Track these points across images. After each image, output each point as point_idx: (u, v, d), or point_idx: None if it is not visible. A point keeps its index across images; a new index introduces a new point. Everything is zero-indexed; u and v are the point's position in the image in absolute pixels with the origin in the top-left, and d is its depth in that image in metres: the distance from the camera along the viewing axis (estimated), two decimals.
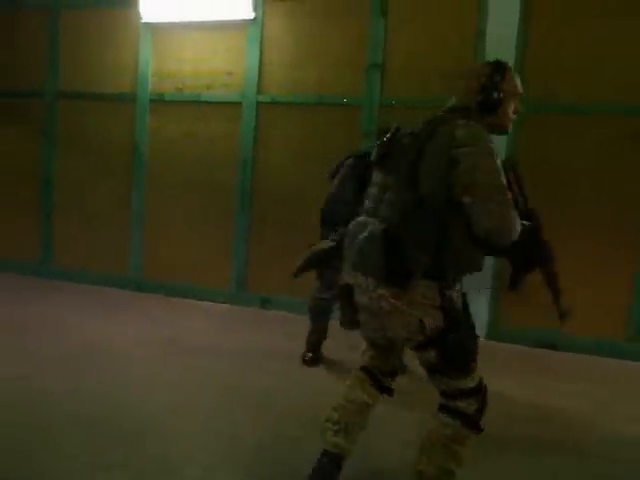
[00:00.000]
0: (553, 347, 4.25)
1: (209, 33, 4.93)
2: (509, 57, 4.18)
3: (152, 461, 2.41)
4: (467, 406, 1.99)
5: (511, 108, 2.06)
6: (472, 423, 2.00)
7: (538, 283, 4.34)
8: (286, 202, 4.79)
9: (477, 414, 2.00)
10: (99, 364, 3.46)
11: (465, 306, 2.08)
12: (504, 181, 1.89)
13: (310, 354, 3.72)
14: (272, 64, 4.81)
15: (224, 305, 5.02)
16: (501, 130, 2.08)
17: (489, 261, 4.12)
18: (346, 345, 3.91)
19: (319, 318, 3.70)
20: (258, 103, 4.85)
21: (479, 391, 2.00)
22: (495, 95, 1.99)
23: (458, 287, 2.02)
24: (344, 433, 2.15)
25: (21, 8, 5.50)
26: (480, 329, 4.38)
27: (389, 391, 2.29)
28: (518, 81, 2.08)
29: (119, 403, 2.94)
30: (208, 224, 5.06)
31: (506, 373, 3.76)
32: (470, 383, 1.99)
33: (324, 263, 3.58)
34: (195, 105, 5.02)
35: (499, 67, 2.04)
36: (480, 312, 4.41)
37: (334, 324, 3.23)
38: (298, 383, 3.39)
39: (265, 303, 4.95)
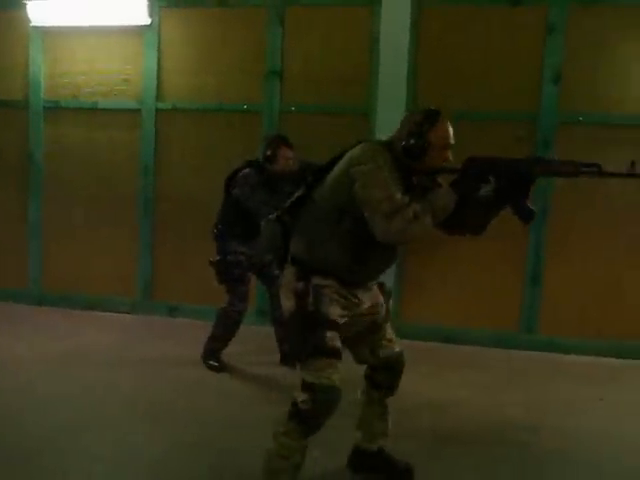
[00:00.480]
0: (451, 341, 4.47)
1: (104, 39, 4.82)
2: (402, 63, 4.39)
3: (50, 478, 2.36)
4: (301, 398, 2.04)
5: (439, 157, 2.09)
6: (297, 416, 2.05)
7: (434, 279, 4.61)
8: (189, 209, 4.76)
9: (307, 414, 2.03)
10: None
11: (348, 305, 2.16)
12: (395, 194, 1.98)
13: (215, 362, 3.74)
14: (170, 71, 4.76)
15: (130, 315, 4.93)
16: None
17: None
18: (249, 350, 4.01)
19: (230, 328, 3.73)
20: (157, 110, 4.79)
21: (313, 391, 2.02)
22: (418, 144, 2.05)
23: (330, 282, 2.10)
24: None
25: None
26: None
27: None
28: (450, 131, 2.11)
29: (17, 421, 2.85)
30: (110, 233, 4.94)
31: (407, 368, 3.91)
32: (307, 377, 2.05)
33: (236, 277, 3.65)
34: (92, 112, 4.89)
35: (430, 116, 2.09)
36: None
37: None
38: (205, 390, 3.41)
39: (172, 311, 4.91)
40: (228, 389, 3.46)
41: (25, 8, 4.75)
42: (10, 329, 4.41)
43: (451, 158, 2.13)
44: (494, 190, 2.02)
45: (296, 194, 2.24)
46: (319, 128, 4.54)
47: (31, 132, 4.98)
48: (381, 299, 2.35)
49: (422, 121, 2.08)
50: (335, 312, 2.11)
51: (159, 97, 4.79)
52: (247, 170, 3.57)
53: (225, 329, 3.72)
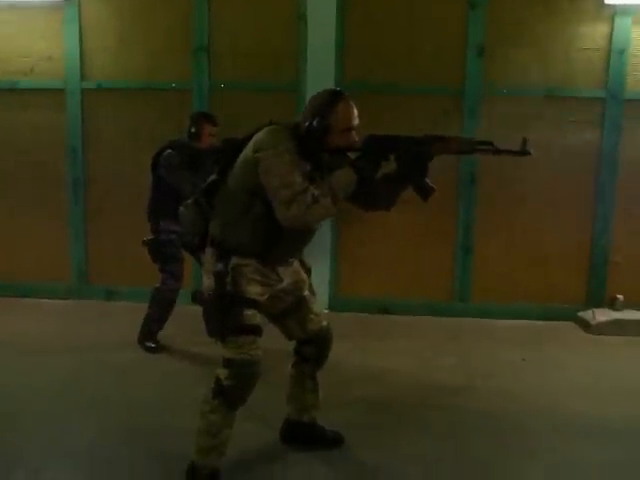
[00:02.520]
0: (387, 312, 4.59)
1: (21, 15, 4.60)
2: (329, 39, 4.39)
3: None
4: (223, 375, 2.12)
5: (341, 139, 2.10)
6: (221, 393, 2.12)
7: (369, 252, 4.69)
8: (122, 191, 4.67)
9: (230, 390, 2.11)
10: None
11: (268, 283, 2.20)
12: (293, 180, 2.00)
13: (152, 343, 3.73)
14: (94, 48, 4.61)
15: (67, 301, 4.83)
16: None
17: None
18: (185, 331, 4.01)
19: (165, 308, 3.72)
20: (83, 90, 4.64)
21: (234, 367, 2.10)
22: (320, 126, 2.06)
23: (248, 262, 2.13)
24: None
25: None
26: (322, 301, 4.63)
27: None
28: (353, 113, 2.11)
29: None
30: (40, 218, 4.79)
31: (343, 340, 4.01)
32: (227, 354, 2.13)
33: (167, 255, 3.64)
34: (13, 92, 4.68)
35: (331, 99, 2.10)
36: (321, 286, 4.65)
37: None
38: (142, 372, 3.41)
39: (110, 295, 4.83)
40: (166, 370, 3.46)
41: None
42: None
43: (356, 140, 2.13)
44: (395, 169, 2.08)
45: (210, 178, 2.26)
46: (249, 105, 4.50)
47: None
48: (303, 275, 2.40)
49: (324, 102, 2.09)
50: (254, 290, 2.15)
51: (83, 76, 4.63)
52: (169, 151, 3.55)
53: (160, 309, 3.71)
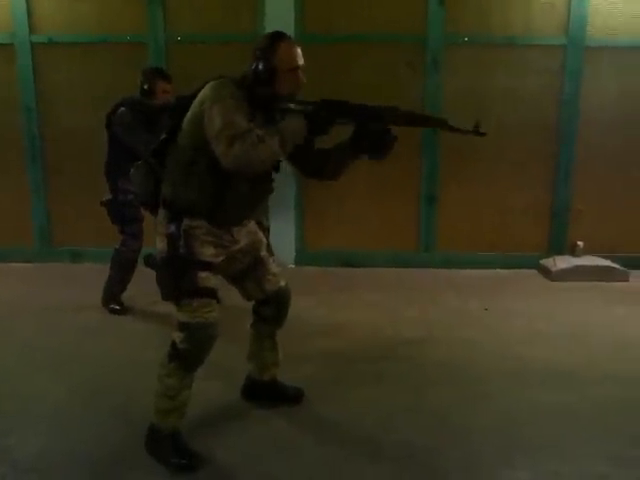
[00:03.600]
0: (352, 265, 4.64)
1: None
2: None
3: None
4: (178, 339, 2.11)
5: (289, 80, 2.09)
6: (177, 357, 2.12)
7: (333, 205, 4.67)
8: (80, 149, 4.56)
9: (186, 353, 2.10)
10: None
11: (222, 244, 2.18)
12: (236, 120, 1.95)
13: (116, 305, 3.73)
14: None
15: (31, 264, 4.77)
16: (285, 96, 2.11)
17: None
18: (149, 291, 3.99)
19: (126, 269, 3.70)
20: (32, 44, 4.46)
21: (189, 330, 2.09)
22: (265, 69, 2.05)
23: (199, 223, 2.10)
24: None
25: None
26: (289, 257, 4.66)
27: None
28: (296, 53, 2.10)
29: None
30: None
31: (308, 294, 4.07)
32: (182, 317, 2.11)
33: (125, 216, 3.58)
34: None
35: (272, 41, 2.08)
36: (287, 242, 4.67)
37: None
38: (106, 334, 3.41)
39: (76, 257, 4.79)
40: (130, 331, 3.47)
41: None
42: None
43: (304, 80, 2.14)
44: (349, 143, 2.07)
45: (161, 137, 2.19)
46: (207, 58, 4.39)
47: None
48: (260, 235, 2.39)
49: (266, 45, 2.08)
50: (207, 252, 2.12)
51: (32, 29, 4.44)
52: (122, 109, 3.45)
53: (121, 270, 3.69)
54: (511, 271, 4.52)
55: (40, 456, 2.24)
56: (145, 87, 3.49)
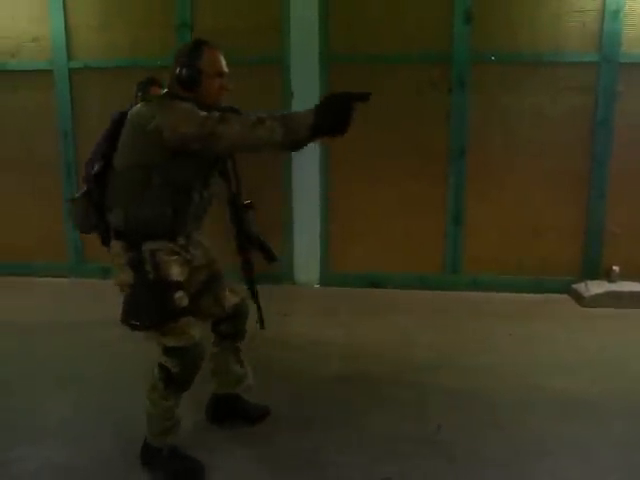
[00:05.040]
0: (377, 286, 4.56)
1: None
2: (313, 10, 4.30)
3: None
4: (169, 364, 2.09)
5: (214, 85, 2.10)
6: (172, 381, 2.11)
7: (359, 226, 4.62)
8: None
9: (180, 376, 2.10)
10: None
11: (184, 262, 2.18)
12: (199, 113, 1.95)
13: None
14: (79, 27, 4.59)
15: (66, 279, 4.91)
16: (210, 105, 2.07)
17: None
18: None
19: None
20: (70, 70, 4.64)
21: (179, 354, 2.08)
22: (190, 73, 2.05)
23: (161, 244, 2.09)
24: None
25: None
26: (314, 277, 4.64)
27: None
28: (220, 59, 2.13)
29: None
30: (33, 200, 4.86)
31: (328, 315, 4.03)
32: (167, 342, 2.09)
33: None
34: (1, 74, 4.72)
35: (196, 46, 2.10)
36: (311, 262, 4.65)
37: None
38: (123, 351, 3.45)
39: (105, 273, 4.88)
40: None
41: None
42: None
43: (230, 87, 2.14)
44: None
45: (96, 167, 2.15)
46: (234, 78, 4.45)
47: None
48: (213, 254, 2.39)
49: (189, 51, 2.09)
50: (176, 272, 2.12)
51: (70, 56, 4.63)
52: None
53: None
54: (541, 295, 4.34)
55: (38, 471, 2.28)
56: (138, 95, 3.50)
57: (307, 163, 4.50)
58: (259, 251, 2.41)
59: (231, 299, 2.41)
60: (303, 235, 4.63)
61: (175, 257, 2.14)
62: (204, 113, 1.95)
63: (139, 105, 2.08)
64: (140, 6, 4.52)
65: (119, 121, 2.12)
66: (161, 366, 2.12)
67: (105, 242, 2.20)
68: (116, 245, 2.14)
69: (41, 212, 4.89)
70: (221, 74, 2.12)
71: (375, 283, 4.57)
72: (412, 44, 4.29)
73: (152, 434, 2.23)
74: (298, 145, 1.92)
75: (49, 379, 3.08)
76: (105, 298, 4.39)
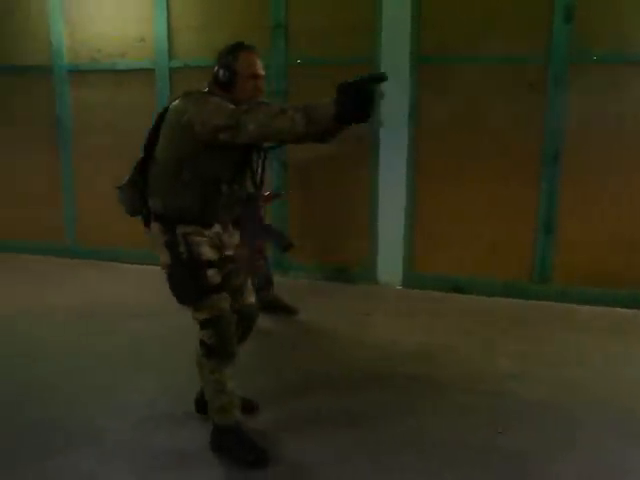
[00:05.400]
0: (460, 291, 4.46)
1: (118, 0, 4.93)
2: (405, 9, 4.26)
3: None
4: (206, 336, 2.27)
5: (248, 86, 2.24)
6: (211, 352, 2.27)
7: (445, 228, 4.53)
8: None
9: (217, 346, 2.26)
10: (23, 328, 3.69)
11: (215, 245, 2.31)
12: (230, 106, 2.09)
13: None
14: (181, 29, 4.82)
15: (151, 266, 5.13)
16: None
17: None
18: None
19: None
20: (171, 69, 4.89)
21: (213, 326, 2.25)
22: (226, 74, 2.22)
23: (193, 228, 2.25)
24: None
25: None
26: (396, 278, 4.62)
27: None
28: (256, 62, 2.27)
29: (30, 365, 3.15)
30: None
31: (407, 318, 4.00)
32: (200, 316, 2.27)
33: None
34: (111, 74, 5.04)
35: (234, 49, 2.27)
36: (394, 262, 4.62)
37: None
38: None
39: None
40: None
41: None
42: (42, 281, 4.80)
43: (263, 89, 2.28)
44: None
45: (139, 157, 2.35)
46: (325, 79, 4.50)
47: (57, 96, 5.22)
48: (240, 249, 2.50)
49: (227, 54, 2.26)
50: (206, 251, 2.27)
51: (171, 55, 4.88)
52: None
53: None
54: (636, 311, 4.07)
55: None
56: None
57: (394, 163, 4.49)
58: (275, 239, 2.59)
59: (248, 297, 2.49)
60: (387, 236, 4.61)
61: (206, 239, 2.28)
62: (232, 106, 2.09)
63: (177, 100, 2.24)
64: (237, 8, 4.68)
65: (161, 115, 2.29)
66: (201, 342, 2.30)
67: (147, 224, 2.38)
68: (155, 227, 2.32)
69: None
70: (255, 76, 2.26)
71: (458, 287, 4.48)
72: (507, 43, 4.16)
73: (214, 412, 2.35)
74: (325, 135, 1.99)
75: (141, 359, 3.28)
76: None
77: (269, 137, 2.10)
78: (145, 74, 4.95)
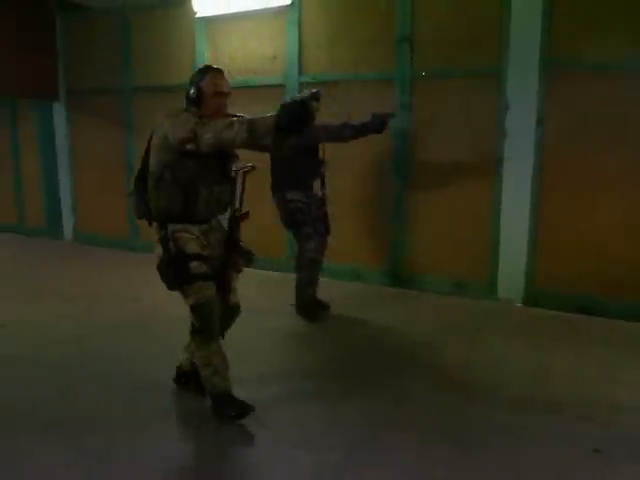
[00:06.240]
0: (588, 312, 4.19)
1: (254, 21, 5.28)
2: (536, 18, 4.14)
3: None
4: (194, 319, 2.69)
5: (213, 103, 2.62)
6: (197, 333, 2.69)
7: (571, 245, 4.28)
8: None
9: (201, 327, 2.67)
10: (150, 328, 4.05)
11: (201, 244, 2.69)
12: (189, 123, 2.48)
13: (314, 306, 4.27)
14: (310, 45, 5.06)
15: (278, 272, 5.34)
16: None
17: None
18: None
19: (313, 269, 4.20)
20: (300, 84, 5.13)
21: (196, 309, 2.64)
22: (195, 92, 2.62)
23: (181, 226, 2.65)
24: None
25: (95, 14, 6.18)
26: (516, 294, 4.45)
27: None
28: (220, 82, 2.63)
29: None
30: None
31: (524, 335, 3.86)
32: (188, 302, 2.67)
33: None
34: (245, 90, 5.38)
35: (202, 71, 2.68)
36: (515, 277, 4.45)
37: None
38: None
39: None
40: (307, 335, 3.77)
41: (191, 2, 5.39)
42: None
43: (226, 106, 2.65)
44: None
45: (138, 169, 2.79)
46: (449, 91, 4.52)
47: None
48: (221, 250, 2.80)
49: (197, 74, 2.67)
50: (193, 247, 2.66)
51: (301, 71, 5.13)
52: None
53: (308, 270, 4.19)
54: None
55: None
56: None
57: (518, 178, 4.35)
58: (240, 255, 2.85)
59: (232, 298, 2.83)
60: (509, 250, 4.46)
61: (191, 236, 2.67)
62: (195, 120, 2.48)
63: (162, 118, 2.63)
64: (363, 23, 4.82)
65: (152, 133, 2.70)
66: (191, 323, 2.71)
67: (150, 224, 2.79)
68: (154, 226, 2.75)
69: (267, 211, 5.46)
70: (219, 94, 2.63)
71: (584, 308, 4.21)
72: None
73: (204, 382, 2.75)
74: (275, 144, 2.46)
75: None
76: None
77: (223, 145, 2.47)
78: (276, 90, 5.23)
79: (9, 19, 6.03)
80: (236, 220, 2.82)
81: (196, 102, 2.63)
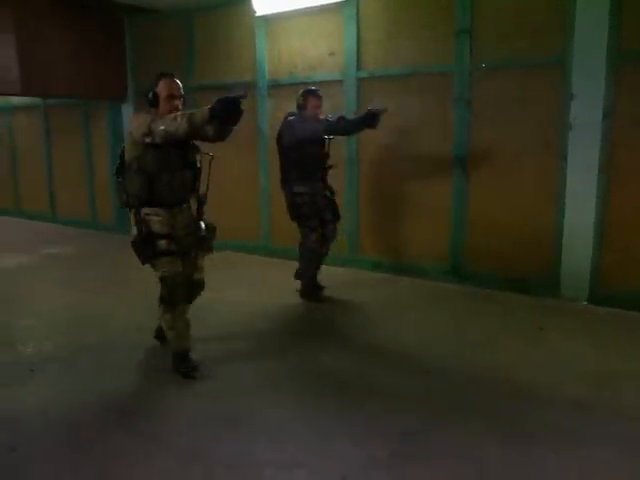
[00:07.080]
0: None
1: (312, 18, 5.31)
2: (604, 6, 3.96)
3: None
4: (161, 289, 3.15)
5: (167, 104, 3.09)
6: (162, 300, 3.15)
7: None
8: (380, 170, 5.05)
9: (167, 295, 3.13)
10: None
11: (168, 225, 3.16)
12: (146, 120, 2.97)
13: (314, 290, 4.56)
14: (368, 41, 5.05)
15: (342, 268, 5.40)
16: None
17: None
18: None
19: (313, 259, 4.45)
20: (358, 79, 5.13)
21: (163, 280, 3.12)
22: (150, 96, 3.13)
23: (152, 210, 3.13)
24: None
25: (159, 16, 6.38)
26: (581, 292, 4.30)
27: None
28: (172, 86, 3.10)
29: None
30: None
31: (585, 335, 3.74)
32: (156, 274, 3.15)
33: None
34: (304, 86, 5.39)
35: (157, 77, 3.15)
36: (581, 273, 4.30)
37: None
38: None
39: (375, 266, 5.28)
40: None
41: (251, 1, 5.48)
42: (245, 276, 5.36)
43: (180, 107, 3.10)
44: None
45: (118, 161, 3.25)
46: (510, 83, 4.40)
47: (259, 108, 5.79)
48: (196, 235, 3.28)
49: (153, 80, 3.15)
50: (159, 227, 3.13)
51: (359, 66, 5.12)
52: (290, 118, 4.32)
53: (309, 260, 4.43)
54: None
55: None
56: (300, 102, 4.32)
57: (584, 169, 4.19)
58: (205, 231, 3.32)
59: (197, 274, 3.29)
60: (574, 247, 4.32)
61: (159, 218, 3.13)
62: (152, 117, 2.95)
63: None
64: (421, 17, 4.77)
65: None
66: (160, 292, 3.15)
67: (130, 210, 3.21)
68: (132, 210, 3.19)
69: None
70: (172, 96, 3.10)
71: None
72: None
73: (169, 341, 3.27)
74: (209, 132, 3.00)
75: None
76: (363, 287, 4.83)
77: (170, 135, 2.86)
78: (334, 85, 5.25)
79: (80, 25, 6.33)
80: (200, 202, 3.28)
81: (153, 104, 3.13)
